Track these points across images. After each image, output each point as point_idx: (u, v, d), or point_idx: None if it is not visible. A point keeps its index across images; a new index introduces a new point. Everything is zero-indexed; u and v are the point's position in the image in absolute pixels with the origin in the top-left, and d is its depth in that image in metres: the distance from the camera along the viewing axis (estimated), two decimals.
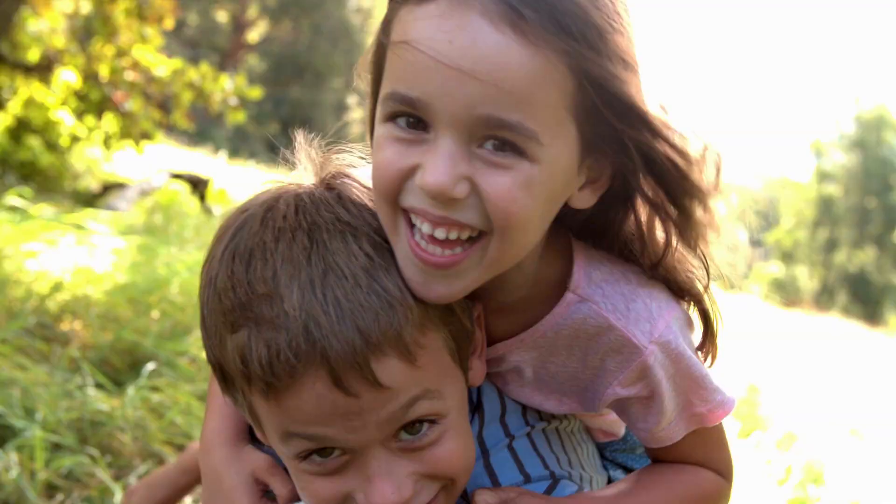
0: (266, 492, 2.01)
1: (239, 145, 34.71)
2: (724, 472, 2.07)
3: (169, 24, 13.44)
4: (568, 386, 1.98)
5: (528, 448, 1.99)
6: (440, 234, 1.60)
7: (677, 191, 1.74)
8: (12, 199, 8.70)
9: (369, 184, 1.76)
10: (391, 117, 1.62)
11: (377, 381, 1.58)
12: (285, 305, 1.58)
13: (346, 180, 1.79)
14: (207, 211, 13.30)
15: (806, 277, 63.47)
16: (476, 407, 1.99)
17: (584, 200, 1.76)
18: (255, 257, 1.64)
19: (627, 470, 2.39)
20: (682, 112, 1.72)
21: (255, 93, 13.83)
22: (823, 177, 67.12)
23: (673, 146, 1.69)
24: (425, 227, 1.61)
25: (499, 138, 1.55)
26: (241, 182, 16.28)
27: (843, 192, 63.92)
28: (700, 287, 1.92)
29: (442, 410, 1.70)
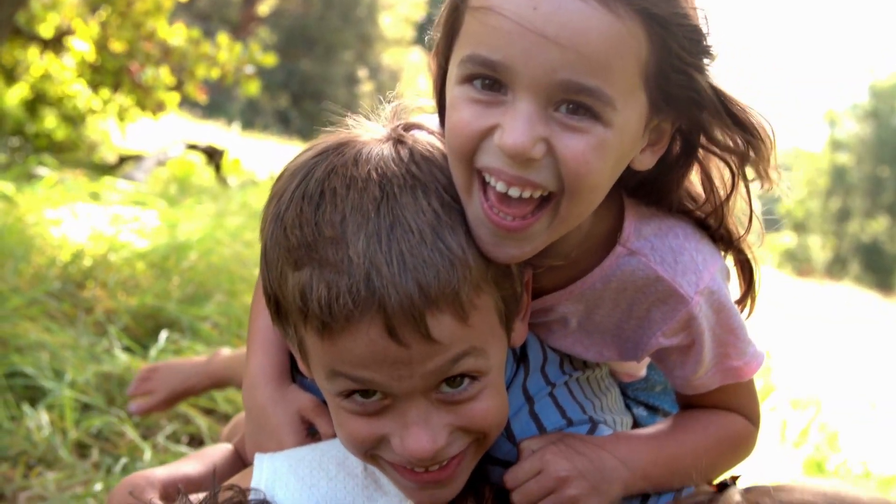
0: (310, 430, 2.07)
1: (252, 118, 34.69)
2: (753, 418, 2.15)
3: None
4: (611, 336, 2.05)
5: (566, 395, 2.07)
6: (514, 192, 1.67)
7: (731, 148, 1.86)
8: (34, 168, 8.76)
9: (439, 137, 1.83)
10: (469, 79, 1.68)
11: (429, 334, 1.64)
12: (350, 252, 1.64)
13: (416, 133, 1.85)
14: (223, 181, 13.33)
15: (818, 247, 63.26)
16: (521, 358, 2.06)
17: (645, 162, 1.83)
18: (325, 201, 1.70)
19: (648, 407, 2.47)
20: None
21: (270, 59, 13.79)
22: (836, 146, 66.78)
23: (728, 106, 1.78)
24: (500, 186, 1.67)
25: (575, 102, 1.61)
26: (255, 153, 16.33)
27: (856, 162, 63.59)
28: (744, 238, 2.02)
29: (484, 368, 1.76)
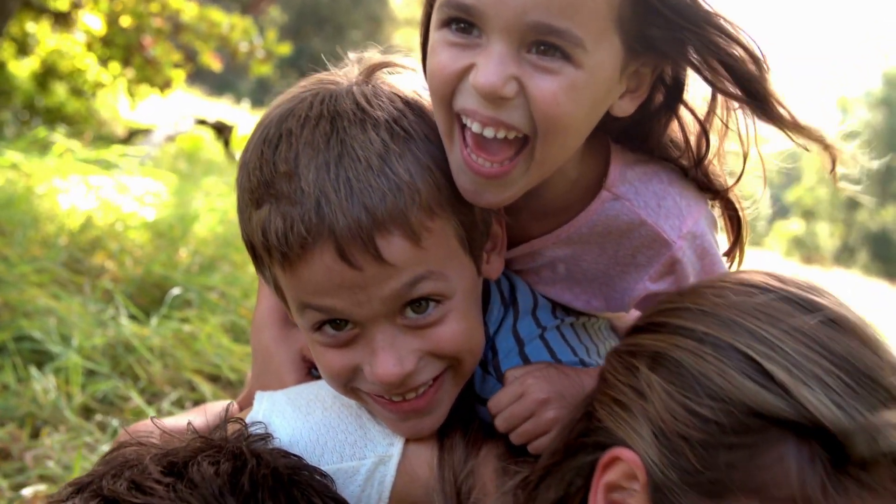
0: (312, 369, 2.13)
1: (262, 96, 34.65)
2: None
3: None
4: (598, 284, 2.08)
5: (558, 338, 2.09)
6: (489, 133, 1.71)
7: (744, 79, 1.81)
8: (45, 136, 8.80)
9: (409, 80, 1.89)
10: (446, 23, 1.72)
11: (380, 256, 1.70)
12: (302, 183, 1.71)
13: (382, 74, 1.90)
14: (232, 156, 13.36)
15: (827, 235, 63.09)
16: (511, 302, 2.09)
17: (625, 108, 1.85)
18: (282, 141, 1.77)
19: None
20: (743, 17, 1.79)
21: (285, 49, 13.84)
22: (848, 134, 66.16)
23: (739, 42, 1.76)
24: (475, 127, 1.71)
25: (547, 43, 1.64)
26: None
27: (867, 150, 63.02)
28: (731, 189, 2.03)
29: (446, 291, 1.81)
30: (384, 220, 1.70)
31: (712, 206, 2.08)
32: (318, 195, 1.70)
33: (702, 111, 1.96)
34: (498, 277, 2.05)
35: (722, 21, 1.73)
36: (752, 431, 1.49)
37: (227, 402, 2.45)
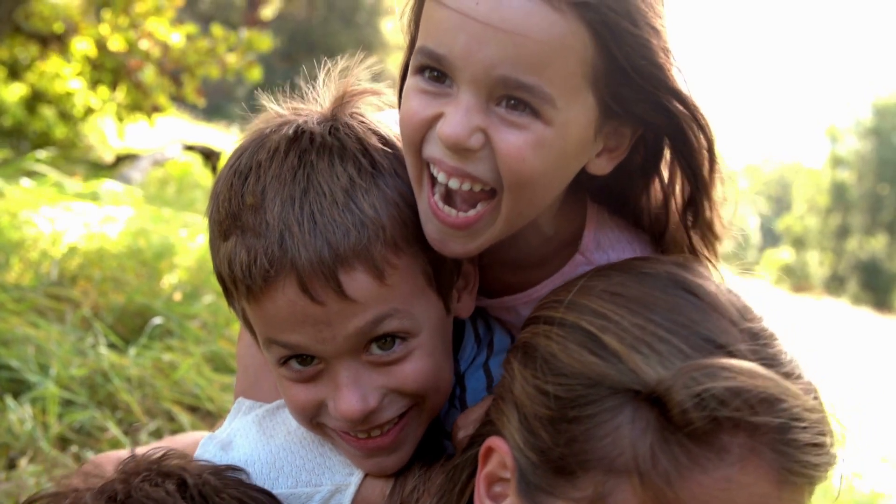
0: None
1: (251, 121, 34.74)
2: None
3: None
4: None
5: None
6: (454, 184, 1.71)
7: (698, 161, 1.83)
8: (31, 164, 8.78)
9: (382, 114, 1.91)
10: (420, 70, 1.74)
11: (343, 291, 1.71)
12: (267, 216, 1.72)
13: (354, 106, 1.90)
14: None
15: (817, 264, 63.24)
16: (487, 341, 2.10)
17: (601, 167, 1.85)
18: (251, 173, 1.78)
19: None
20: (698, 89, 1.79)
21: (265, 43, 13.76)
22: (837, 163, 66.79)
23: (697, 117, 1.78)
24: (441, 177, 1.72)
25: (515, 97, 1.64)
26: None
27: (857, 179, 63.57)
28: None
29: (411, 329, 1.81)
30: (347, 255, 1.70)
31: None
32: (283, 228, 1.71)
33: (668, 182, 1.95)
34: (470, 316, 2.04)
35: (686, 99, 1.75)
36: (591, 402, 1.49)
37: (199, 435, 2.45)
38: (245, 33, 13.68)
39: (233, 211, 1.77)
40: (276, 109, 1.92)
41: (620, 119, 1.78)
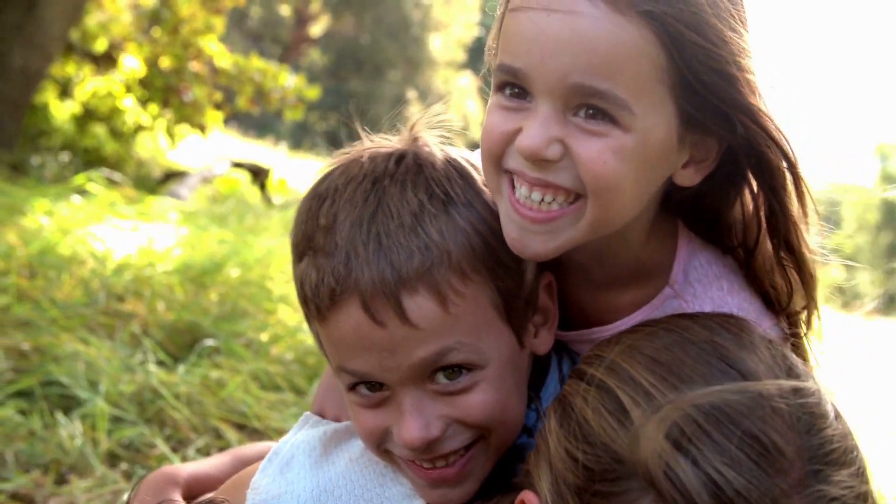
0: None
1: (300, 137, 34.92)
2: None
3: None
4: None
5: None
6: (536, 196, 1.72)
7: (779, 182, 1.81)
8: (82, 183, 8.89)
9: (458, 148, 1.92)
10: (500, 87, 1.77)
11: (405, 315, 1.71)
12: (336, 237, 1.75)
13: (425, 142, 1.91)
14: (267, 200, 13.46)
15: (867, 282, 62.40)
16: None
17: (688, 178, 1.83)
18: (327, 197, 1.82)
19: None
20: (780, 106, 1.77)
21: (314, 93, 14.00)
22: (887, 180, 66.05)
23: (773, 136, 1.75)
24: (523, 190, 1.73)
25: (592, 106, 1.65)
26: (302, 173, 16.45)
27: None
28: (791, 302, 1.98)
29: (478, 361, 1.80)
30: (409, 277, 1.71)
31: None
32: (349, 249, 1.73)
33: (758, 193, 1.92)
34: (556, 353, 2.03)
35: (758, 116, 1.72)
36: (617, 480, 1.45)
37: (263, 447, 2.47)
38: (294, 81, 13.85)
39: (308, 233, 1.82)
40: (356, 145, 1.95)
41: (704, 130, 1.76)
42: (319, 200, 1.83)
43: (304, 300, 1.82)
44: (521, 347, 1.91)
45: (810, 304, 1.98)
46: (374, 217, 1.75)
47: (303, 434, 2.08)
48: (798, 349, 2.00)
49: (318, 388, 2.26)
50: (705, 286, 1.96)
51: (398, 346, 1.74)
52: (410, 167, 1.83)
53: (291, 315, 6.53)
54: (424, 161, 1.85)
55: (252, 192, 13.88)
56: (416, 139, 1.92)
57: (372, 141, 1.95)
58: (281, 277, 7.30)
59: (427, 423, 1.79)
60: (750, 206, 1.94)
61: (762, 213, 1.91)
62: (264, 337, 5.93)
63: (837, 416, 1.51)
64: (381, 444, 1.88)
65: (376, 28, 46.08)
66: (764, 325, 1.94)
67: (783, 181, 1.82)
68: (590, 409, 1.54)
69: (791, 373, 1.53)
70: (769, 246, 1.94)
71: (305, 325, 6.00)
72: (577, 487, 1.51)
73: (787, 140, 1.77)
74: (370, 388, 1.83)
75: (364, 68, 45.13)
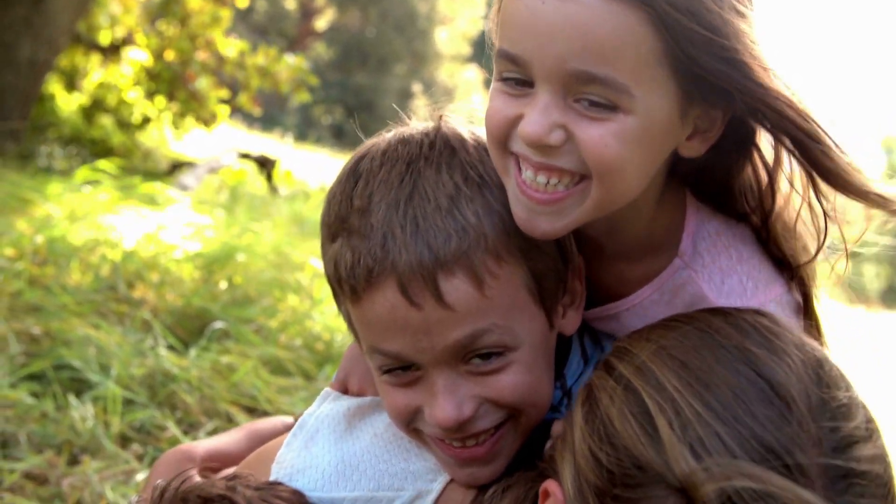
0: None
1: (305, 130, 34.94)
2: None
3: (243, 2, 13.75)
4: None
5: None
6: (542, 179, 1.73)
7: (796, 131, 1.76)
8: (90, 174, 8.92)
9: (476, 129, 1.92)
10: (501, 72, 1.76)
11: (442, 297, 1.72)
12: (372, 219, 1.76)
13: (453, 123, 1.93)
14: (274, 190, 13.48)
15: (872, 275, 62.27)
16: (593, 357, 2.11)
17: (694, 150, 1.83)
18: (361, 179, 1.83)
19: None
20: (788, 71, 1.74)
21: (313, 79, 14.04)
22: (894, 173, 65.50)
23: (783, 113, 1.72)
24: (529, 173, 1.74)
25: (592, 94, 1.65)
26: (308, 165, 16.48)
27: None
28: (805, 267, 1.98)
29: (511, 343, 1.81)
30: (447, 259, 1.72)
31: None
32: (386, 231, 1.74)
33: (771, 160, 1.92)
34: (574, 333, 2.04)
35: (766, 92, 1.70)
36: (638, 486, 1.44)
37: (277, 421, 2.48)
38: (293, 59, 13.90)
39: (341, 214, 1.82)
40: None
41: (708, 104, 1.76)
42: (353, 182, 1.84)
43: (338, 281, 1.83)
44: (550, 329, 1.93)
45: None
46: (411, 199, 1.76)
47: (326, 408, 2.09)
48: (809, 313, 2.02)
49: (343, 360, 2.26)
50: (714, 256, 1.96)
51: (433, 327, 1.75)
52: (444, 150, 1.84)
53: (300, 302, 6.57)
54: (457, 144, 1.86)
55: (258, 184, 13.89)
56: (444, 123, 1.93)
57: (406, 123, 1.97)
58: (289, 266, 7.35)
59: (460, 403, 1.80)
60: (761, 171, 1.95)
61: (781, 176, 1.91)
62: (273, 323, 5.97)
63: (871, 433, 1.48)
64: (410, 423, 1.90)
65: (382, 22, 46.05)
66: (775, 291, 1.96)
67: (807, 144, 1.77)
68: (615, 409, 1.52)
69: (821, 382, 1.49)
70: (792, 207, 1.94)
71: (314, 312, 6.07)
72: (597, 488, 1.50)
73: (800, 109, 1.73)
74: (402, 368, 1.84)
75: (369, 62, 45.11)
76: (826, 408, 1.44)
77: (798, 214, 1.95)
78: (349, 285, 1.79)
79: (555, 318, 1.93)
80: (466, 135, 1.90)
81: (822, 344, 1.96)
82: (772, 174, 1.94)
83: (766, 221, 1.98)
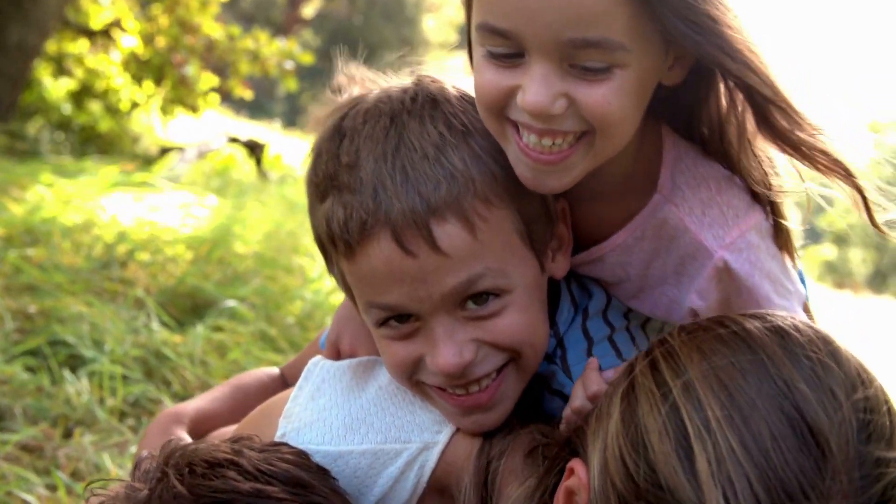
0: None
1: (293, 118, 34.82)
2: None
3: None
4: (655, 294, 2.09)
5: (626, 340, 2.13)
6: (546, 142, 1.76)
7: (748, 76, 1.76)
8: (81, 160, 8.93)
9: (460, 84, 1.95)
10: (485, 42, 1.76)
11: (436, 244, 1.76)
12: (361, 173, 1.80)
13: (436, 78, 1.97)
14: (263, 175, 13.48)
15: (859, 260, 62.41)
16: (585, 307, 2.13)
17: (676, 76, 1.87)
18: (346, 137, 1.86)
19: None
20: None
21: (307, 58, 13.98)
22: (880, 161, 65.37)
23: (752, 66, 1.73)
24: (532, 138, 1.76)
25: (590, 58, 1.68)
26: (297, 150, 16.45)
27: None
28: (775, 192, 1.98)
29: (505, 286, 1.85)
30: (438, 206, 1.76)
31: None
32: (376, 183, 1.77)
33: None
34: (564, 277, 2.07)
35: (736, 52, 1.71)
36: None
37: (264, 373, 2.51)
38: (285, 42, 13.86)
39: (330, 172, 1.85)
40: (359, 79, 2.02)
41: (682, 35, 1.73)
42: (338, 140, 1.87)
43: (331, 238, 1.85)
44: (542, 272, 1.97)
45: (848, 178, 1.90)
46: (398, 151, 1.79)
47: (330, 363, 2.12)
48: (780, 234, 2.03)
49: (333, 322, 2.28)
50: (693, 188, 1.98)
51: (429, 275, 1.78)
52: (426, 102, 1.87)
53: (291, 280, 6.61)
54: (439, 96, 1.89)
55: (247, 167, 13.88)
56: (424, 77, 1.97)
57: (378, 85, 2.00)
58: (280, 247, 7.38)
59: (460, 348, 1.84)
60: (724, 104, 1.94)
61: (740, 105, 1.91)
62: (266, 301, 6.01)
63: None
64: (411, 376, 1.93)
65: (370, 9, 45.90)
66: (755, 217, 1.97)
67: (765, 92, 1.77)
68: (653, 421, 1.49)
69: (864, 431, 1.44)
70: (752, 140, 1.94)
71: (305, 291, 6.08)
72: (619, 494, 1.50)
73: (767, 70, 1.75)
74: (399, 320, 1.87)
75: (357, 49, 44.83)
76: (864, 462, 1.41)
77: (755, 146, 1.96)
78: (343, 241, 1.82)
79: (545, 262, 1.97)
80: (448, 86, 1.93)
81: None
82: (729, 105, 1.94)
83: (729, 152, 1.98)
